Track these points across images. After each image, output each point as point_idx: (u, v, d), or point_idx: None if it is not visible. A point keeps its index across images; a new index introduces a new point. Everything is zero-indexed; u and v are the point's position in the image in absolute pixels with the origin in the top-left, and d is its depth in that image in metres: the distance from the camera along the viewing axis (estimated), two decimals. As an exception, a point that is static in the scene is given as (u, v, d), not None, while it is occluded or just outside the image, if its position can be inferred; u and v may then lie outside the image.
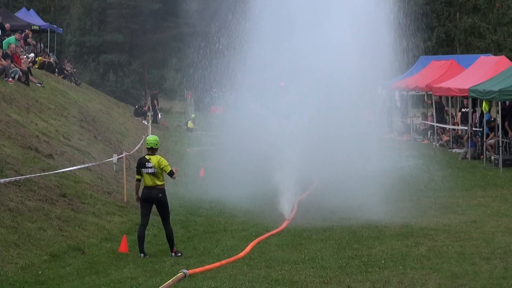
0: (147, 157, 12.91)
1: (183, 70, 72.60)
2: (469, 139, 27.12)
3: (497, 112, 25.13)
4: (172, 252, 12.91)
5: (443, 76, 32.94)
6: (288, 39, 18.19)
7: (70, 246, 13.00)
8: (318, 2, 18.53)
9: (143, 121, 42.78)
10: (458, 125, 31.04)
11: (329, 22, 17.87)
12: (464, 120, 29.94)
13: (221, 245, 13.74)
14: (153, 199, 12.85)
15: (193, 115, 44.86)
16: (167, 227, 12.98)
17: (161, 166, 12.78)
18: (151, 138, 13.12)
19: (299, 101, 17.42)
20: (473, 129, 27.35)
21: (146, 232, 13.06)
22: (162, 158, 12.91)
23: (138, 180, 13.08)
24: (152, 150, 12.93)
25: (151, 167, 12.76)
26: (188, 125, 42.52)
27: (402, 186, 20.32)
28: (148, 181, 12.82)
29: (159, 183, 12.83)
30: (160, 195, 12.82)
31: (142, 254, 12.80)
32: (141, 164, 12.90)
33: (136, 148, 24.55)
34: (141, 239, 12.85)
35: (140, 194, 13.20)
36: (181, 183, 22.39)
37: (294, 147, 17.19)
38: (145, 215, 12.95)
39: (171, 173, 12.87)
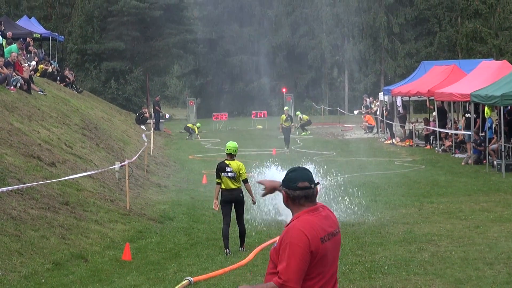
0: (226, 162, 13.61)
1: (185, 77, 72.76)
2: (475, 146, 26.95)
3: (499, 116, 25.10)
4: (241, 247, 13.90)
5: (445, 81, 32.85)
6: None
7: (73, 254, 12.99)
8: None
9: (141, 126, 42.90)
10: (461, 130, 30.95)
11: None
12: (468, 125, 29.80)
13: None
14: (234, 199, 13.65)
15: (198, 124, 45.14)
16: (241, 225, 13.92)
17: (240, 172, 13.51)
18: (231, 144, 13.80)
19: None
20: (480, 134, 27.09)
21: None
22: (242, 165, 13.67)
23: (219, 184, 13.72)
24: (231, 156, 13.66)
25: (231, 171, 13.51)
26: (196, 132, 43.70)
27: (405, 192, 20.33)
28: (228, 184, 13.53)
29: (237, 185, 13.61)
30: (241, 195, 13.70)
31: (227, 250, 13.57)
32: (221, 168, 13.63)
33: (138, 155, 24.56)
34: (225, 237, 13.64)
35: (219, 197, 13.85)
36: (184, 190, 22.41)
37: None
38: (227, 215, 13.75)
39: (245, 180, 13.65)
